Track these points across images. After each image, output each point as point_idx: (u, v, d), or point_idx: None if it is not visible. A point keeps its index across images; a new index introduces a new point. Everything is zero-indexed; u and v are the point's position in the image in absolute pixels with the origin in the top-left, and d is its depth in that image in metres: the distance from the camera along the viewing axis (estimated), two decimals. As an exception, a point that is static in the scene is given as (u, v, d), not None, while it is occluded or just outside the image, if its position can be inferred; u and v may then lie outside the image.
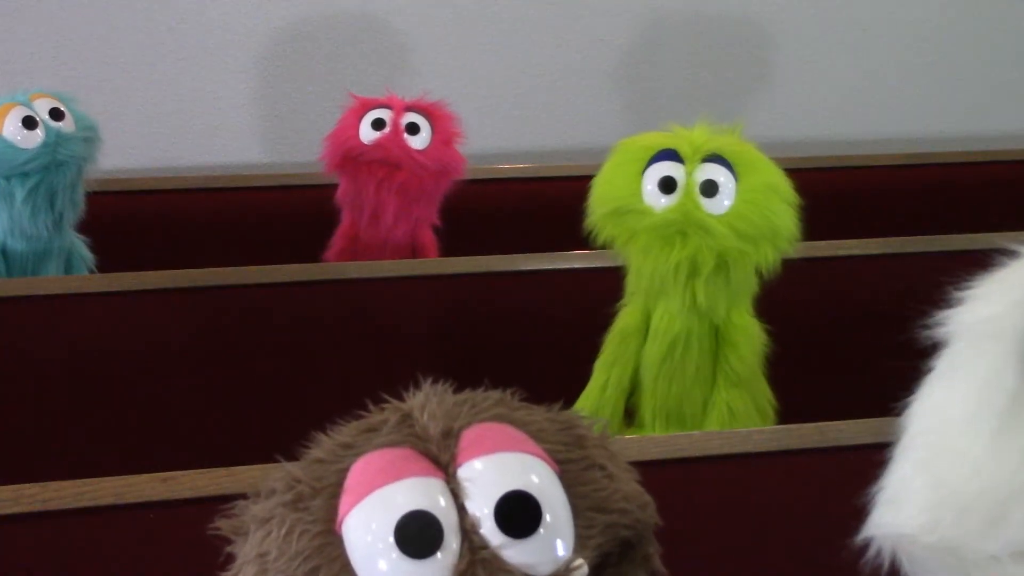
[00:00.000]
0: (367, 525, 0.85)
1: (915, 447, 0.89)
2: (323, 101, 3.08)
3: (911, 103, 3.51)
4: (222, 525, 0.92)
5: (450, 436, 0.89)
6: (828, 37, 3.43)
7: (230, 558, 0.91)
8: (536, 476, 0.88)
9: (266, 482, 0.91)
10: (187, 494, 1.44)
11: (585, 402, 1.97)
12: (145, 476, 1.46)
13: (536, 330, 2.32)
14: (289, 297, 2.24)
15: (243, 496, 0.93)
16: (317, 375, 2.23)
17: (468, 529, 0.85)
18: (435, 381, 0.96)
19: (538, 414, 0.94)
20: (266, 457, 1.49)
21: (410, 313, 2.29)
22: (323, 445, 0.92)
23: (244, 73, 3.14)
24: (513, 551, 0.85)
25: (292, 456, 0.94)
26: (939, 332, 0.90)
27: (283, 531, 0.87)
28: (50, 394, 2.15)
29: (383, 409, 0.94)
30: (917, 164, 3.20)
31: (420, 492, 0.86)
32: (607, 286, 2.06)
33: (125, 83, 3.08)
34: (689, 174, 1.85)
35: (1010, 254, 0.92)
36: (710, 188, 1.84)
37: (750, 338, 1.93)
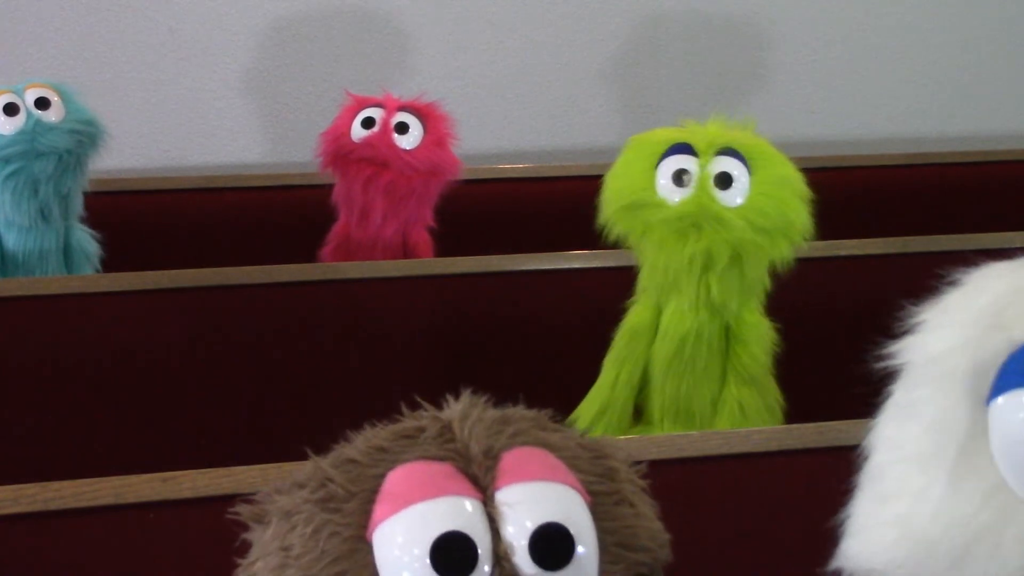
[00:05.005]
0: (403, 538, 0.85)
1: (877, 478, 0.88)
2: (323, 101, 3.08)
3: (911, 103, 3.51)
4: (242, 511, 0.91)
5: (490, 457, 0.89)
6: (828, 37, 3.43)
7: (245, 545, 0.90)
8: (572, 509, 0.88)
9: (293, 474, 0.90)
10: (187, 494, 1.44)
11: (594, 399, 1.96)
12: (145, 476, 1.46)
13: (536, 330, 2.32)
14: (289, 297, 2.23)
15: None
16: (317, 375, 2.23)
17: (501, 555, 0.85)
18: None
19: (571, 439, 0.94)
20: (265, 457, 1.49)
21: (410, 313, 2.28)
22: (356, 446, 0.91)
23: (244, 73, 3.14)
24: None
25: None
26: (891, 362, 0.89)
27: (310, 528, 0.86)
28: (50, 394, 2.14)
29: (420, 416, 0.93)
30: (917, 164, 3.20)
31: (459, 512, 0.85)
32: (607, 286, 2.06)
33: (125, 83, 3.08)
34: (703, 167, 1.85)
35: (968, 265, 0.90)
36: (724, 180, 1.84)
37: (761, 336, 1.93)
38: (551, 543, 0.86)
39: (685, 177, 1.84)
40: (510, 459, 0.89)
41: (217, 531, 1.38)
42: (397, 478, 0.88)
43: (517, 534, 0.85)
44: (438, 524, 0.85)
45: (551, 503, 0.87)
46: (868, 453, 0.90)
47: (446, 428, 0.91)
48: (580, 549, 0.86)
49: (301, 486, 0.89)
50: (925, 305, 0.88)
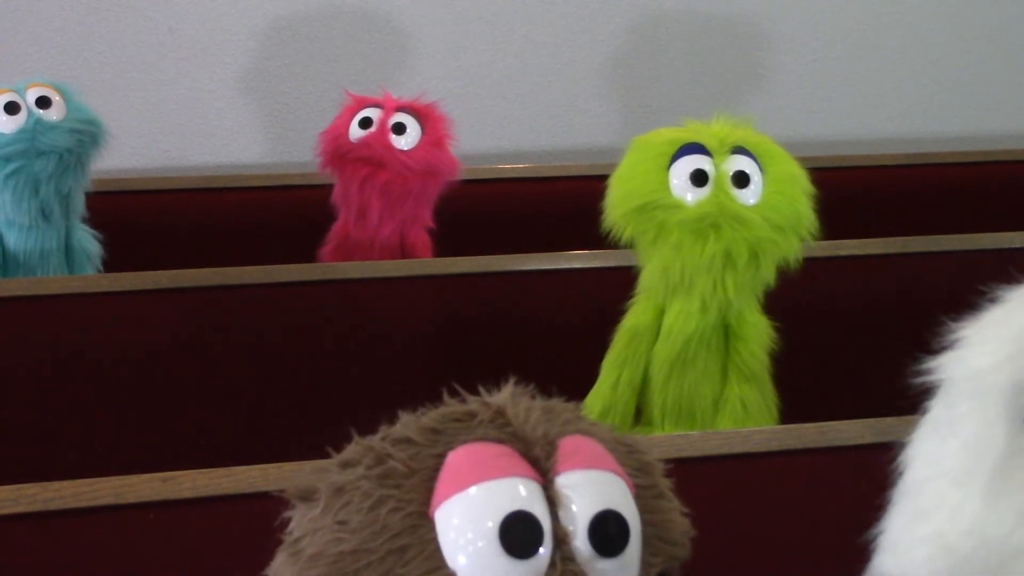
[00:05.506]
0: (468, 516, 0.85)
1: (913, 494, 0.88)
2: (323, 101, 3.08)
3: (911, 103, 3.52)
4: (288, 488, 0.90)
5: (547, 443, 0.89)
6: (828, 37, 3.43)
7: (285, 523, 0.90)
8: (625, 498, 0.89)
9: (342, 454, 0.90)
10: (187, 494, 1.44)
11: (595, 401, 1.95)
12: (145, 476, 1.46)
13: (536, 330, 2.32)
14: (289, 297, 2.24)
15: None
16: (317, 375, 2.23)
17: (561, 539, 0.86)
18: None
19: (607, 433, 0.94)
20: (265, 457, 1.49)
21: (410, 313, 2.29)
22: (408, 427, 0.90)
23: (244, 73, 3.15)
24: (599, 567, 0.86)
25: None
26: (930, 378, 0.88)
27: (369, 503, 0.86)
28: (50, 394, 2.15)
29: (466, 401, 0.93)
30: (917, 164, 3.21)
31: (524, 494, 0.86)
32: (607, 286, 2.05)
33: (125, 83, 3.08)
34: (718, 166, 1.84)
35: (1011, 282, 0.89)
36: (742, 179, 1.84)
37: (760, 334, 1.93)
38: (609, 529, 0.87)
39: (703, 177, 1.83)
40: (567, 446, 0.89)
41: (217, 531, 1.38)
42: (460, 457, 0.88)
43: (576, 519, 0.86)
44: (505, 504, 0.85)
45: (609, 490, 0.88)
46: (904, 469, 0.90)
47: (499, 413, 0.91)
48: (632, 538, 0.87)
49: (352, 464, 0.89)
50: (966, 321, 0.88)
